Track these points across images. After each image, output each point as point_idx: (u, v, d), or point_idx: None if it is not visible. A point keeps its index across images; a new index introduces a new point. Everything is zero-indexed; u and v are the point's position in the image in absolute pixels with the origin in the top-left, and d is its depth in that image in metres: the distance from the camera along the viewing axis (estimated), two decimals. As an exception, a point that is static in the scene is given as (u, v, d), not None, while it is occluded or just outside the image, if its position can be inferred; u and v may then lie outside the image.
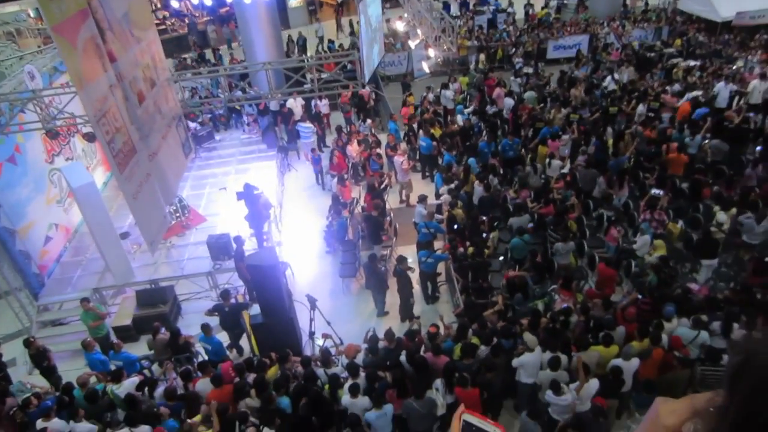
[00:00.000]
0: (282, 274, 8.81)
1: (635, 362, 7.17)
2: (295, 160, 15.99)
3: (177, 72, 15.55)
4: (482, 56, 19.64)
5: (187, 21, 26.26)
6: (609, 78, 16.84)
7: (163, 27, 24.64)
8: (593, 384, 6.94)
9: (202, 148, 16.46)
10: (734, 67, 17.67)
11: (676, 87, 16.17)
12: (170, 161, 12.57)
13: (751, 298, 8.36)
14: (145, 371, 8.53)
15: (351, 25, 24.82)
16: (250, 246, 11.47)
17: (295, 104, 16.43)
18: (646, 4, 24.38)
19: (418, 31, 16.27)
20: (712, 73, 16.98)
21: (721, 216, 10.37)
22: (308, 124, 15.52)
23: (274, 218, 12.81)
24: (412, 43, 18.04)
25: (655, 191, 11.07)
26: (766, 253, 9.32)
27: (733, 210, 10.36)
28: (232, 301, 9.51)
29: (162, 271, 11.80)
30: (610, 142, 13.35)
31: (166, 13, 26.62)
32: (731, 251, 10.21)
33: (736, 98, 15.80)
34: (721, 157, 12.37)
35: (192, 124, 16.44)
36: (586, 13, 23.46)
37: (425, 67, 17.84)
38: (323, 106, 16.94)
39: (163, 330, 9.08)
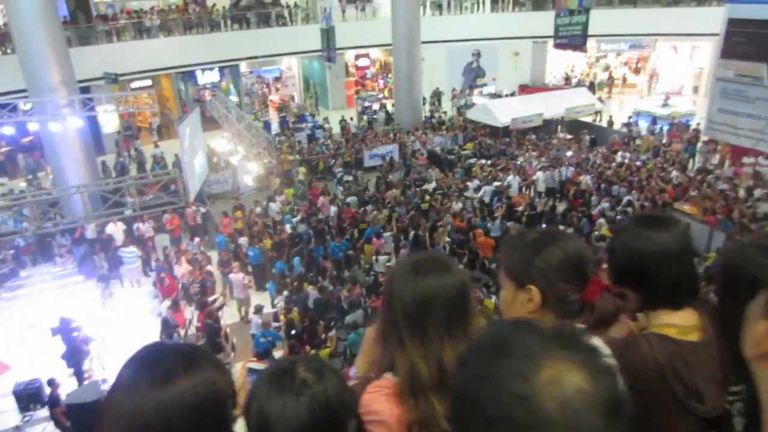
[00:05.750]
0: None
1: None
2: (118, 288, 14.93)
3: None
4: (302, 169, 20.70)
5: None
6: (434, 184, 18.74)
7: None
8: None
9: (4, 287, 14.66)
10: (518, 163, 21.05)
11: (475, 182, 18.72)
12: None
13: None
14: None
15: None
16: (69, 388, 10.23)
17: (116, 229, 15.63)
18: (444, 114, 28.40)
19: (239, 149, 16.94)
20: (502, 169, 20.05)
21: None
22: (131, 249, 14.80)
23: (96, 353, 11.68)
24: (234, 159, 18.58)
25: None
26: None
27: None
28: (48, 455, 8.32)
29: (-47, 438, 9.91)
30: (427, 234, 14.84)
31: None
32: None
33: (524, 188, 18.79)
34: (517, 237, 14.42)
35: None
36: (393, 124, 26.36)
37: (249, 181, 18.38)
38: (147, 229, 16.34)
39: None
